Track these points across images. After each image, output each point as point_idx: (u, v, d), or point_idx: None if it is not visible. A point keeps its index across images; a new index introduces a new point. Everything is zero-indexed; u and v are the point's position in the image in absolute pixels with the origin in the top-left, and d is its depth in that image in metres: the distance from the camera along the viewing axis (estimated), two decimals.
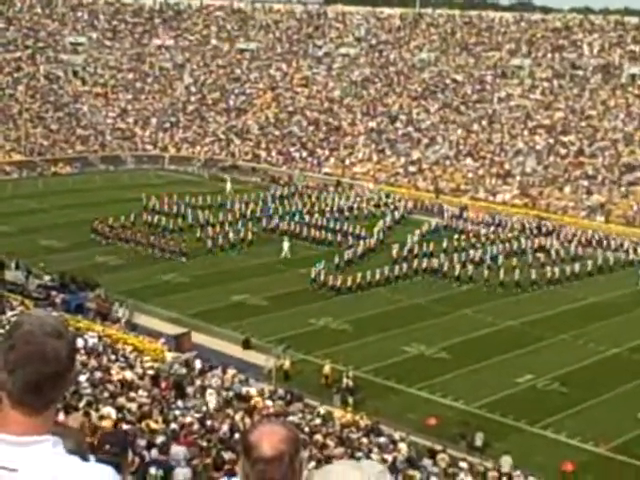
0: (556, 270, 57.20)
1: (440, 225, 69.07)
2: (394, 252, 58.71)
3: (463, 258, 58.45)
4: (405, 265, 56.49)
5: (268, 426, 3.38)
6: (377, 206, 74.22)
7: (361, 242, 61.35)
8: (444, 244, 60.98)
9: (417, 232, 64.56)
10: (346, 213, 71.12)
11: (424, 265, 57.04)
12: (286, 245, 59.75)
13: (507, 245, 63.08)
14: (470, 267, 56.43)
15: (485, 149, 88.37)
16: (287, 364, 39.47)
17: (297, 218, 67.37)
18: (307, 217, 67.73)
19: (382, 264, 56.04)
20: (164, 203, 69.71)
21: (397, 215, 71.13)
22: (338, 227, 64.99)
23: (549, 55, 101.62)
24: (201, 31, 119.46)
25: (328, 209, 71.32)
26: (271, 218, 66.59)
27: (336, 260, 56.47)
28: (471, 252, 60.04)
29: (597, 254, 62.71)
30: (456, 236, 64.29)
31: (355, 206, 73.33)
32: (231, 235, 61.37)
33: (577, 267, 58.54)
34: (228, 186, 78.36)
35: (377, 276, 54.00)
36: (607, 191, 77.07)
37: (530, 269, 56.79)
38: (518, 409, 36.76)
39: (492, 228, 68.37)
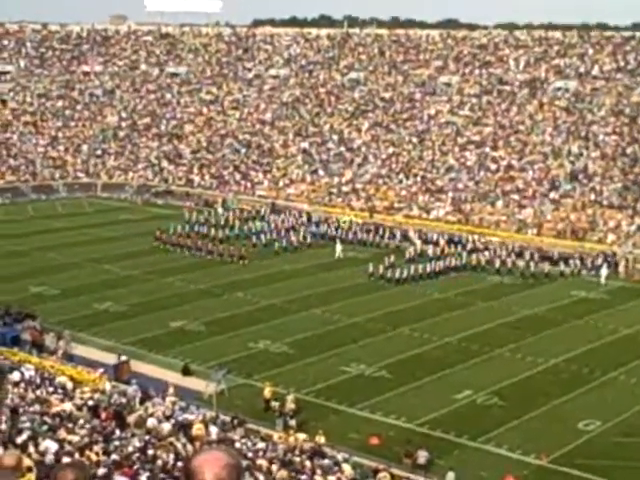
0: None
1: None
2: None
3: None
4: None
5: (210, 453, 3.38)
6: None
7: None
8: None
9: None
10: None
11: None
12: (339, 247, 67.44)
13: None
14: None
15: (417, 166, 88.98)
16: (210, 390, 38.99)
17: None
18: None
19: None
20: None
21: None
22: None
23: (476, 71, 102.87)
24: (130, 56, 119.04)
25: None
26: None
27: (406, 256, 64.94)
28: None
29: (530, 267, 63.50)
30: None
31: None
32: (293, 239, 70.00)
33: (513, 280, 59.59)
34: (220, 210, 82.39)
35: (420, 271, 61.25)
36: (538, 204, 77.95)
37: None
38: (459, 425, 36.88)
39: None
